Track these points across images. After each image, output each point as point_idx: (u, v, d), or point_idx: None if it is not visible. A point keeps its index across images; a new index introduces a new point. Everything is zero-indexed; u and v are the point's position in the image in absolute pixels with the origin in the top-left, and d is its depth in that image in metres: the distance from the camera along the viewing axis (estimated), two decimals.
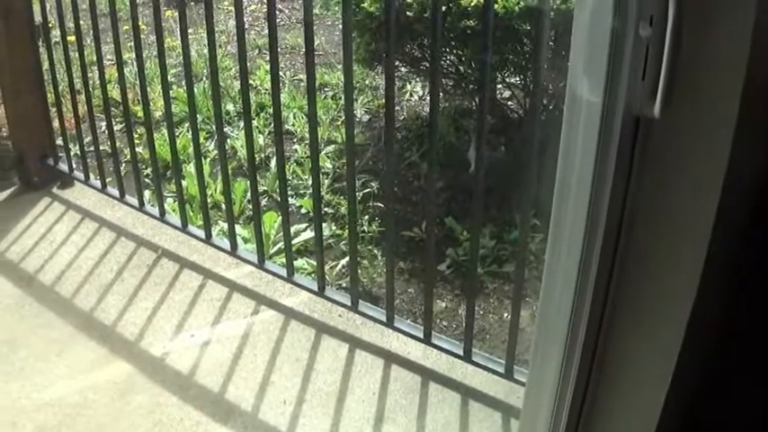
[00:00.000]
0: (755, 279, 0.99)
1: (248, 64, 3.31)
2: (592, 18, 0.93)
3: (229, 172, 3.16)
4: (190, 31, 3.10)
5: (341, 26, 2.45)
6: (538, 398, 1.26)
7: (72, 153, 3.65)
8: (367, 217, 3.58)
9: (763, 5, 0.80)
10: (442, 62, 3.52)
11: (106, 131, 3.45)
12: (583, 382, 1.12)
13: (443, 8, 3.17)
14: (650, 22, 0.86)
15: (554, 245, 1.10)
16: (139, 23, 3.01)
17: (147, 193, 3.53)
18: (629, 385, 1.10)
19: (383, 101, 3.85)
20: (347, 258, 3.16)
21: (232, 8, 3.12)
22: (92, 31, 3.15)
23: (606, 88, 0.92)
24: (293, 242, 3.15)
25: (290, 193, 3.73)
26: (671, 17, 0.83)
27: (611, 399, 1.13)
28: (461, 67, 3.62)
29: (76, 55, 3.28)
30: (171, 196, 3.63)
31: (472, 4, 3.22)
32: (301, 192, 3.84)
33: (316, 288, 2.88)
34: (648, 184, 0.94)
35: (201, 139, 4.00)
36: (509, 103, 4.07)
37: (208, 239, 3.15)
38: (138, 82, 3.21)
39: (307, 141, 3.86)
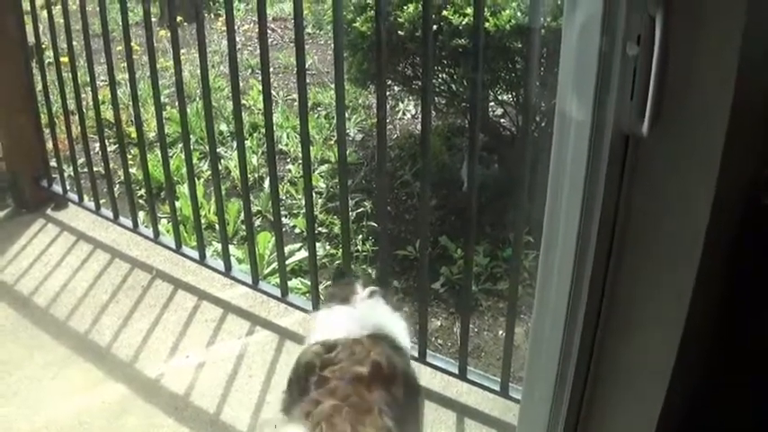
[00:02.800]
0: (746, 294, 1.00)
1: (241, 84, 3.32)
2: (580, 38, 0.94)
3: (223, 192, 3.16)
4: (183, 51, 3.11)
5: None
6: (533, 415, 1.26)
7: (66, 174, 3.65)
8: (360, 236, 3.58)
9: (749, 24, 0.81)
10: (435, 81, 3.54)
11: (100, 153, 3.45)
12: (577, 398, 1.12)
13: (435, 27, 3.18)
14: (638, 41, 0.87)
15: (546, 262, 1.10)
16: (132, 44, 3.02)
17: (140, 215, 3.54)
18: (623, 401, 1.10)
19: (376, 120, 3.87)
20: None
21: (225, 28, 3.13)
22: (85, 52, 3.15)
23: (595, 107, 0.93)
24: (287, 262, 3.15)
25: (283, 212, 3.73)
26: (658, 36, 0.84)
27: (605, 415, 1.13)
28: (453, 86, 3.63)
29: (70, 76, 3.28)
30: (165, 217, 3.63)
31: (463, 22, 3.24)
32: (295, 211, 3.84)
33: (310, 308, 2.87)
34: (638, 202, 0.94)
35: (195, 160, 4.01)
36: (502, 120, 4.09)
37: (202, 260, 3.15)
38: (131, 103, 3.21)
39: (300, 161, 3.86)
